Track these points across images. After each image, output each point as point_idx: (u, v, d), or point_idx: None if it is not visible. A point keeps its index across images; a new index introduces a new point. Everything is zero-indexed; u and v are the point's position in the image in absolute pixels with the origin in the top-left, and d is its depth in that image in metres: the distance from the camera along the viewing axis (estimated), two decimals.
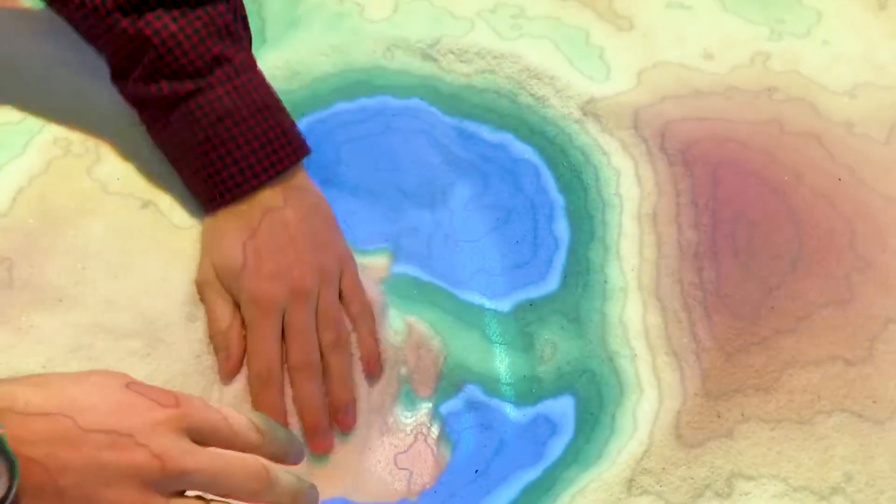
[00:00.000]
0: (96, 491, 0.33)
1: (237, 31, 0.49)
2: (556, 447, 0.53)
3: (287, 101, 0.54)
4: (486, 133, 0.63)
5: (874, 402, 0.50)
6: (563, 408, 0.54)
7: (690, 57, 0.64)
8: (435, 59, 0.64)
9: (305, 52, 0.61)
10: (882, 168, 0.57)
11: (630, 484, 0.49)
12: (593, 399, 0.53)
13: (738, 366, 0.52)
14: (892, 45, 0.65)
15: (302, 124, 0.57)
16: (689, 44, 0.64)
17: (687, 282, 0.54)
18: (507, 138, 0.63)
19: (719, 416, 0.51)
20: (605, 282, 0.56)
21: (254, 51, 0.55)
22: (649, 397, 0.52)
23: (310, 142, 0.53)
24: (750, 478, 0.49)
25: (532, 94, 0.63)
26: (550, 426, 0.54)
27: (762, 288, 0.53)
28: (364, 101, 0.60)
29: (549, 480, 0.51)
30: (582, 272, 0.57)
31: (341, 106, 0.59)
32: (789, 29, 0.66)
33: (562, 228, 0.59)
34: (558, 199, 0.61)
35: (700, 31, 0.66)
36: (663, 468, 0.49)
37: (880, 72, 0.63)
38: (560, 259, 0.58)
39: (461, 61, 0.64)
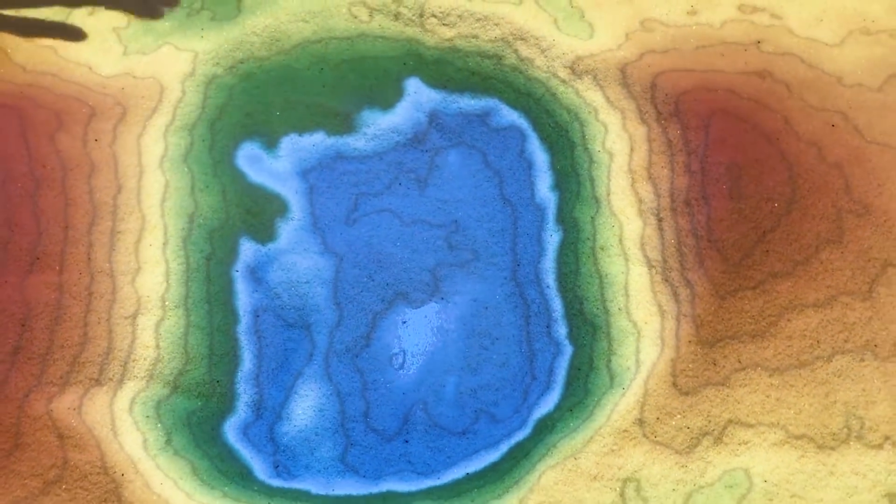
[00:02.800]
0: None
1: None
2: (550, 402, 0.53)
3: (265, 70, 0.54)
4: (463, 96, 0.63)
5: (876, 345, 0.49)
6: (558, 363, 0.54)
7: (676, 13, 0.63)
8: (418, 24, 0.63)
9: (285, 19, 0.61)
10: (876, 115, 0.56)
11: (627, 434, 0.48)
12: (586, 351, 0.52)
13: (732, 311, 0.50)
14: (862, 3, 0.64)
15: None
16: (673, 1, 0.63)
17: (679, 229, 0.53)
18: (491, 104, 0.63)
19: (715, 364, 0.49)
20: (597, 239, 0.55)
21: (230, 19, 0.54)
22: (644, 347, 0.51)
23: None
24: (748, 426, 0.48)
25: (517, 56, 0.62)
26: (543, 383, 0.53)
27: (756, 231, 0.51)
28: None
29: (546, 427, 0.50)
30: (569, 230, 0.56)
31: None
32: None
33: (546, 188, 0.59)
34: (543, 159, 0.61)
35: None
36: (658, 418, 0.47)
37: (871, 24, 0.62)
38: (551, 222, 0.58)
39: (444, 24, 0.63)
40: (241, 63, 0.63)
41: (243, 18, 0.63)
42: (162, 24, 0.65)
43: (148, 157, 0.56)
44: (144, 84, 0.60)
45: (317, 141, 0.66)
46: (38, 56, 0.65)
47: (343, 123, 0.69)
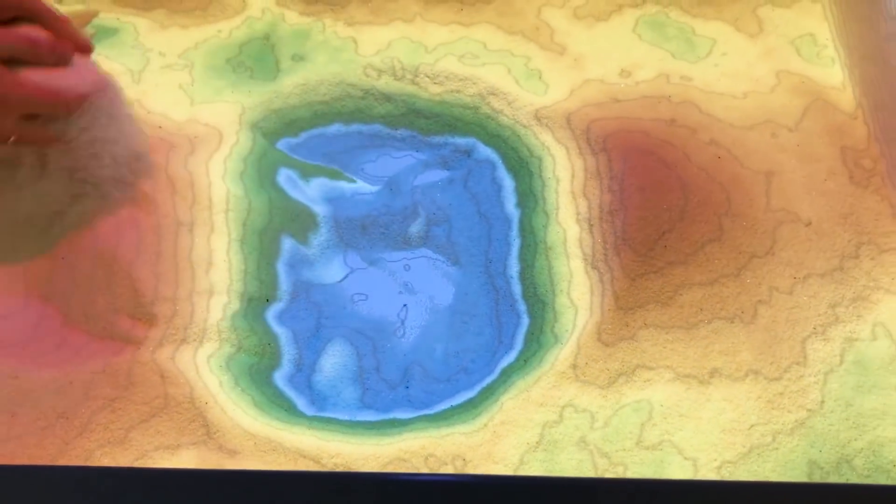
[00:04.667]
0: None
1: None
2: (511, 357, 0.71)
3: (296, 116, 0.74)
4: (452, 136, 0.82)
5: (742, 311, 0.69)
6: (519, 330, 0.72)
7: (610, 75, 0.84)
8: (413, 82, 0.84)
9: (314, 79, 0.81)
10: (751, 149, 0.78)
11: (564, 375, 0.68)
12: (538, 321, 0.72)
13: (640, 288, 0.70)
14: (766, 63, 0.85)
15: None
16: (609, 65, 0.84)
17: (603, 231, 0.74)
18: (471, 142, 0.83)
19: (627, 325, 0.69)
20: (547, 241, 0.75)
21: (269, 81, 0.74)
22: (579, 315, 0.71)
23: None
24: (650, 368, 0.67)
25: (490, 107, 0.83)
26: (507, 345, 0.72)
27: (657, 232, 0.72)
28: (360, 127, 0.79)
29: (507, 375, 0.69)
30: (527, 236, 0.76)
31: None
32: (688, 53, 0.83)
33: (512, 206, 0.79)
34: (510, 184, 0.81)
35: (618, 56, 0.83)
36: (586, 363, 0.67)
37: (755, 83, 0.83)
38: (515, 231, 0.77)
39: (434, 83, 0.85)
40: (277, 111, 0.76)
41: (281, 78, 0.75)
42: (218, 82, 0.77)
43: (214, 174, 0.68)
44: (207, 129, 0.72)
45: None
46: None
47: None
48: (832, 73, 0.81)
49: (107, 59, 0.82)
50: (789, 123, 0.77)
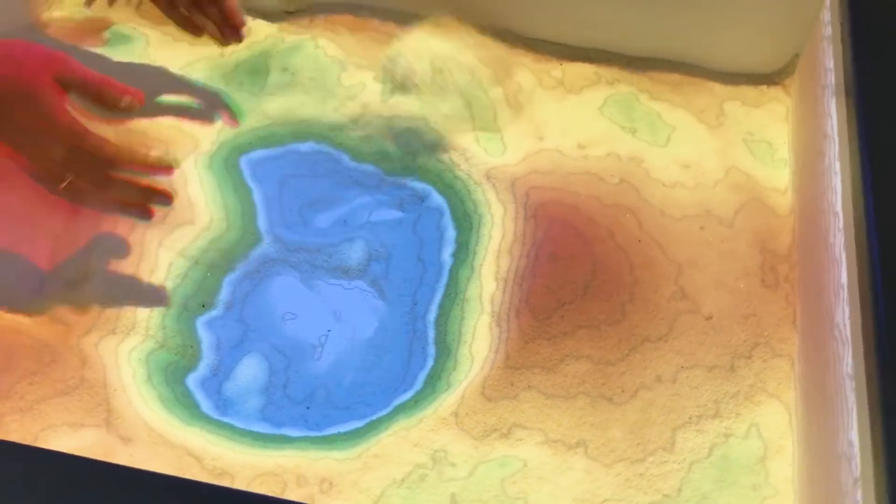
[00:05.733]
0: None
1: None
2: (407, 396, 0.76)
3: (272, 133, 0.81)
4: (410, 179, 0.88)
5: (622, 391, 0.73)
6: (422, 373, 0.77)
7: (567, 146, 0.89)
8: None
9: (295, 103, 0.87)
10: (674, 238, 0.82)
11: (445, 421, 0.73)
12: (439, 366, 0.77)
13: (530, 352, 0.75)
14: (717, 157, 0.89)
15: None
16: (569, 137, 0.90)
17: (513, 293, 0.79)
18: (427, 188, 0.89)
19: (512, 384, 0.74)
20: (467, 293, 0.81)
21: (255, 97, 0.81)
22: (473, 367, 0.76)
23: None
24: (524, 428, 0.72)
25: (451, 159, 0.89)
26: (408, 384, 0.77)
27: (556, 303, 0.77)
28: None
29: (396, 412, 0.74)
30: (451, 285, 0.82)
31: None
32: (647, 135, 0.86)
33: (448, 255, 0.85)
34: (451, 234, 0.86)
35: (579, 129, 0.87)
36: (467, 413, 0.72)
37: (702, 175, 0.87)
38: (444, 279, 0.83)
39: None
40: (256, 129, 0.82)
41: (265, 99, 0.81)
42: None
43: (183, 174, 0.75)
44: (183, 136, 0.79)
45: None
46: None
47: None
48: (780, 175, 0.85)
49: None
50: (722, 219, 0.80)
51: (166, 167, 0.65)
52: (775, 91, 0.89)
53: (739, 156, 0.85)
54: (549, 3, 0.90)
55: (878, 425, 0.48)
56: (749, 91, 0.90)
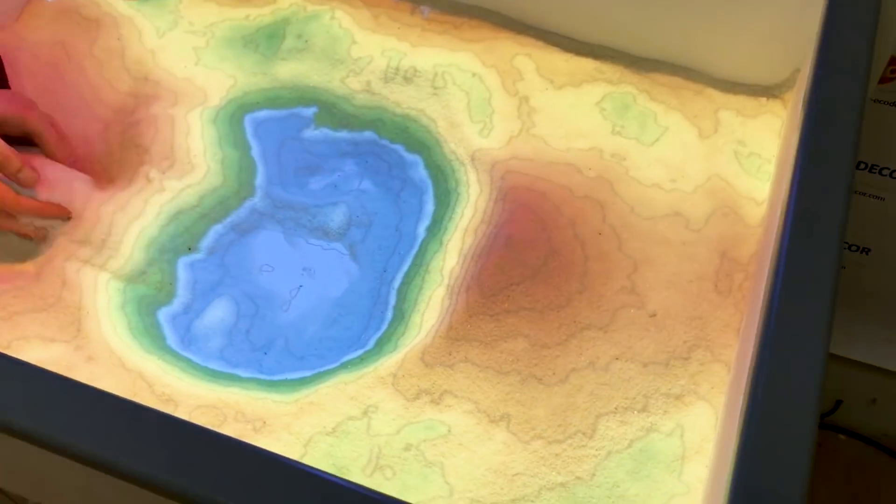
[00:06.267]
0: None
1: None
2: (357, 354, 0.81)
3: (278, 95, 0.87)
4: (403, 151, 0.92)
5: (553, 373, 0.76)
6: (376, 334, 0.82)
7: (553, 136, 0.91)
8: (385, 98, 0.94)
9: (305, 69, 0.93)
10: (636, 235, 0.84)
11: (382, 380, 0.77)
12: (391, 330, 0.81)
13: (473, 326, 0.78)
14: (702, 163, 0.90)
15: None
16: (558, 127, 0.92)
17: (467, 269, 0.83)
18: (417, 159, 0.93)
19: (450, 354, 0.77)
20: (430, 265, 0.85)
21: (269, 62, 0.88)
22: (417, 333, 0.80)
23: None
24: (455, 396, 0.75)
25: (442, 135, 0.93)
26: (362, 343, 0.81)
27: (505, 283, 0.80)
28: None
29: (342, 367, 0.79)
30: (419, 256, 0.86)
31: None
32: (636, 134, 0.85)
33: (423, 228, 0.89)
34: (430, 209, 0.90)
35: (570, 121, 0.86)
36: (403, 376, 0.76)
37: (681, 178, 0.89)
38: (414, 250, 0.87)
39: (407, 95, 0.94)
40: (265, 90, 0.85)
41: (277, 63, 0.84)
42: (226, 53, 0.86)
43: (187, 123, 0.79)
44: (195, 90, 0.82)
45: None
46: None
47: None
48: (762, 187, 0.85)
49: (140, 15, 0.98)
50: (689, 222, 0.82)
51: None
52: (773, 104, 0.89)
53: (725, 164, 0.85)
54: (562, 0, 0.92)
55: None
56: (747, 101, 0.90)
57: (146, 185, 0.84)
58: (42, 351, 0.71)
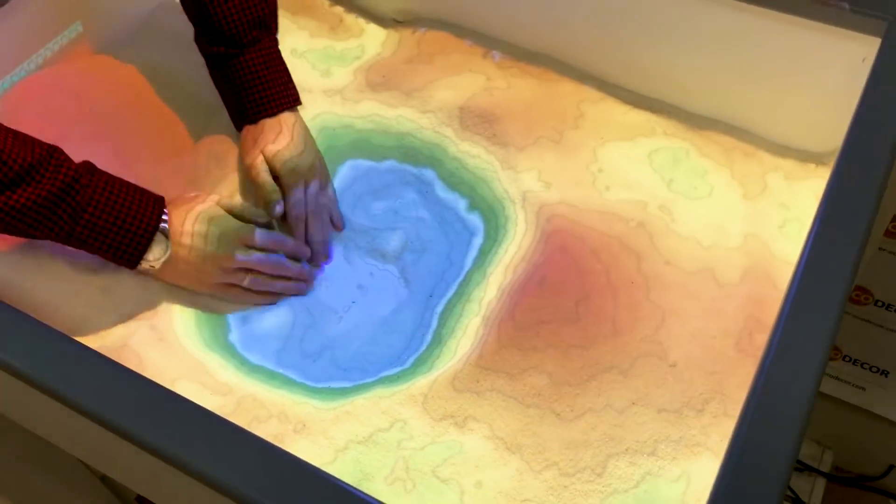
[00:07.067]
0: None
1: (270, 22, 0.85)
2: (395, 370, 0.89)
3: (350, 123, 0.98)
4: (460, 185, 1.00)
5: (571, 410, 0.82)
6: (414, 355, 0.90)
7: (599, 186, 0.98)
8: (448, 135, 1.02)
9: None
10: (667, 287, 0.89)
11: (414, 399, 0.84)
12: (428, 353, 0.89)
13: (502, 357, 0.84)
14: (743, 223, 0.86)
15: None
16: (604, 178, 0.98)
17: (503, 303, 0.90)
18: (472, 194, 1.01)
19: (478, 381, 0.85)
20: (471, 295, 0.92)
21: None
22: (451, 358, 0.87)
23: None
24: (477, 421, 0.82)
25: (497, 174, 1.00)
26: (402, 362, 0.89)
27: (536, 320, 0.87)
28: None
29: (380, 382, 0.87)
30: (463, 286, 0.94)
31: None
32: (683, 189, 0.89)
33: (470, 259, 0.96)
34: (479, 242, 0.98)
35: (621, 172, 0.91)
36: (432, 398, 0.83)
37: (720, 236, 0.94)
38: (460, 279, 0.94)
39: (470, 133, 1.02)
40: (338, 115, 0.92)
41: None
42: (311, 72, 0.95)
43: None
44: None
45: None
46: None
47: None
48: (797, 251, 0.90)
49: None
50: (720, 280, 0.87)
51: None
52: (821, 171, 0.93)
53: (765, 226, 0.89)
54: (623, 54, 0.98)
55: None
56: (795, 167, 0.94)
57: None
58: (123, 328, 0.81)
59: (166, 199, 0.77)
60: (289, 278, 0.86)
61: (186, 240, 0.78)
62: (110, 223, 0.74)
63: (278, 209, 0.87)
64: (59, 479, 1.13)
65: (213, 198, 0.80)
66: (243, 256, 0.81)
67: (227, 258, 0.80)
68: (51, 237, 0.73)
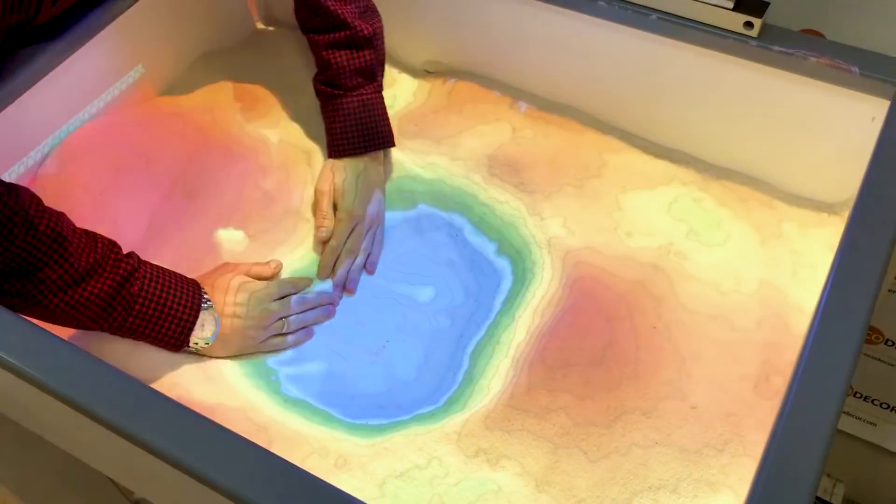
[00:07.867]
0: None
1: (373, 71, 0.96)
2: (429, 409, 0.94)
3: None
4: (489, 230, 1.06)
5: (598, 449, 0.87)
6: (447, 394, 0.95)
7: (621, 233, 1.04)
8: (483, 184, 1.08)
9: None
10: (688, 332, 0.95)
11: (448, 436, 0.89)
12: (460, 392, 0.95)
13: (532, 397, 0.89)
14: (759, 269, 0.90)
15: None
16: (626, 225, 1.04)
17: (532, 346, 0.96)
18: (500, 238, 1.07)
19: (509, 421, 0.90)
20: (501, 337, 0.98)
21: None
22: (483, 399, 0.93)
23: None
24: (509, 458, 0.85)
25: (524, 220, 1.07)
26: (434, 401, 0.95)
27: (564, 363, 0.92)
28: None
29: (415, 420, 0.92)
30: (493, 327, 0.99)
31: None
32: (701, 237, 0.93)
33: (499, 301, 1.02)
34: (508, 285, 1.04)
35: (642, 220, 0.94)
36: (465, 436, 0.87)
37: (737, 282, 1.00)
38: (489, 321, 1.00)
39: (499, 181, 1.09)
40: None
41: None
42: None
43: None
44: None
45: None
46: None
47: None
48: (811, 298, 0.95)
49: None
50: (736, 325, 0.93)
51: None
52: (834, 220, 0.99)
53: (780, 273, 0.95)
54: (645, 107, 1.04)
55: None
56: (809, 216, 0.99)
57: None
58: (169, 355, 0.88)
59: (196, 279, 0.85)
60: (313, 307, 0.93)
61: (230, 310, 0.85)
62: (158, 311, 0.79)
63: (323, 233, 0.97)
64: (87, 500, 1.18)
65: (230, 265, 0.91)
66: (278, 307, 0.89)
67: (265, 316, 0.88)
68: (104, 328, 0.77)
